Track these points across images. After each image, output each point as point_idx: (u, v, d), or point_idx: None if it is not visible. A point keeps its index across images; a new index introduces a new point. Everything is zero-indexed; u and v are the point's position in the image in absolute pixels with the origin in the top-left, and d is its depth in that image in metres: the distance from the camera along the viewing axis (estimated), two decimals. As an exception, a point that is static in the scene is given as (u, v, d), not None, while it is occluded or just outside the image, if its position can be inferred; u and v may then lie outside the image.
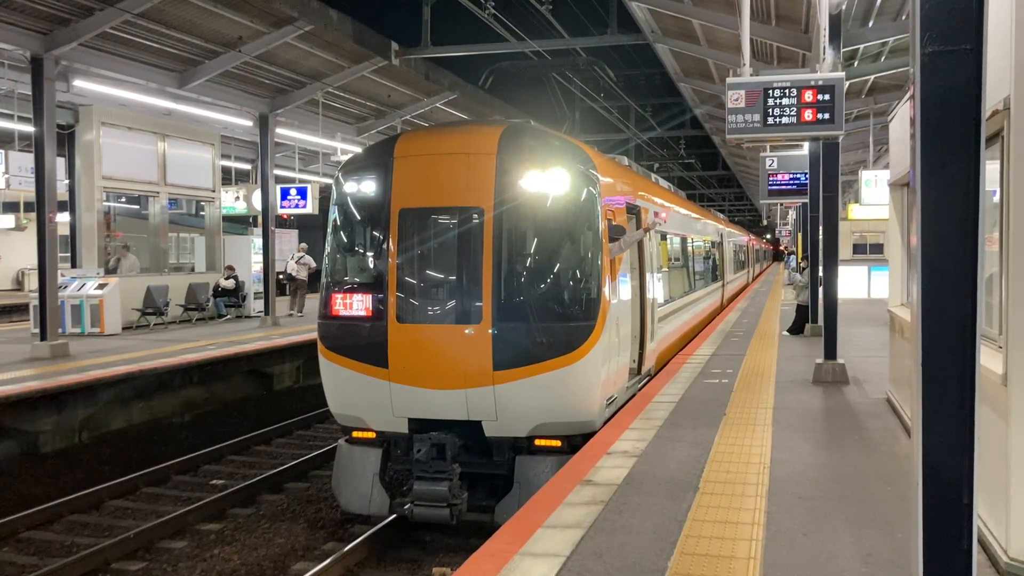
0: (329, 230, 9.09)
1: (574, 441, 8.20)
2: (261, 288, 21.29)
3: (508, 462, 8.33)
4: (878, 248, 26.69)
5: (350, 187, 8.91)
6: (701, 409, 9.25)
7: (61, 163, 17.64)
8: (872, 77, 17.91)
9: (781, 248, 67.84)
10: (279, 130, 20.68)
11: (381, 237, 8.61)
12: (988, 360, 4.64)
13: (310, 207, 22.01)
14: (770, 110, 7.87)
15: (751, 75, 8.22)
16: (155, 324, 19.19)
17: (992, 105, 4.50)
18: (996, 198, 4.80)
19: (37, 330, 14.59)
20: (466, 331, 8.13)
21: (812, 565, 4.83)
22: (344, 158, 18.68)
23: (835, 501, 6.01)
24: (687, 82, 21.65)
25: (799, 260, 24.44)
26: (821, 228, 12.14)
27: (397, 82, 20.74)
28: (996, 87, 4.37)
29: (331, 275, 8.91)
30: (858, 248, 28.42)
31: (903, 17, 13.97)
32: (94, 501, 10.10)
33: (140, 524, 9.23)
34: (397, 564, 8.25)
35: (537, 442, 8.29)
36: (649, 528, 5.45)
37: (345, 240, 9.22)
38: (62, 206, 16.74)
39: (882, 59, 16.89)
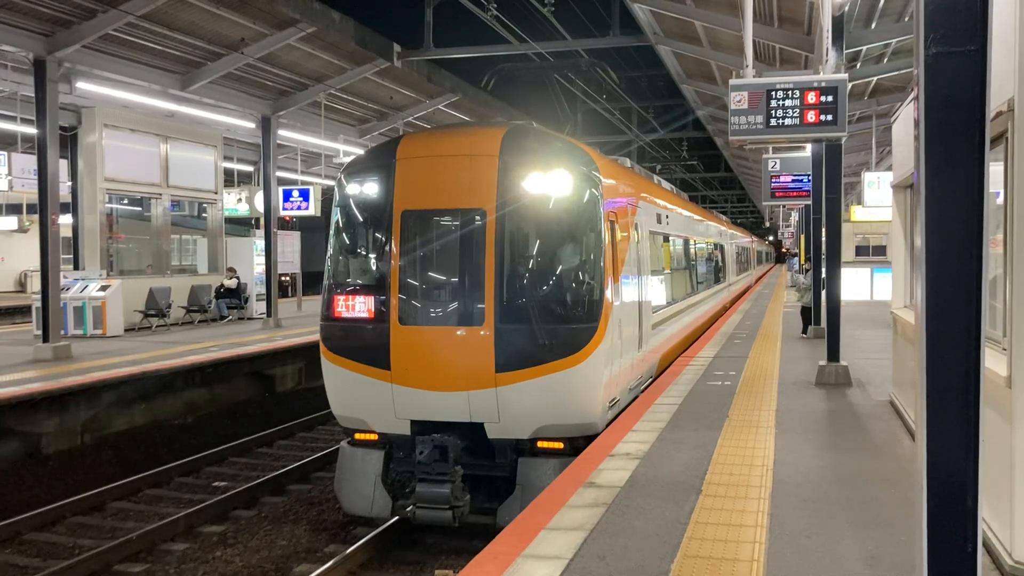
0: (331, 232, 9.09)
1: (576, 443, 8.19)
2: (263, 290, 21.30)
3: (510, 464, 8.32)
4: (881, 250, 26.67)
5: (352, 189, 8.91)
6: (704, 411, 9.23)
7: (64, 165, 17.65)
8: (875, 79, 17.89)
9: (784, 250, 67.80)
10: (281, 132, 20.70)
11: (383, 239, 8.60)
12: (992, 362, 4.62)
13: (312, 209, 22.01)
14: (773, 112, 7.87)
15: (754, 77, 8.23)
16: (157, 326, 19.21)
17: (996, 106, 4.48)
18: (1000, 200, 4.78)
19: (39, 332, 14.61)
20: (468, 333, 8.13)
21: (815, 568, 4.81)
22: (346, 160, 18.71)
23: (838, 503, 5.99)
24: (689, 84, 21.65)
25: (802, 262, 24.39)
26: (824, 230, 12.12)
27: (399, 84, 20.76)
28: (1000, 89, 4.35)
29: (333, 277, 8.91)
30: (861, 250, 28.41)
31: (906, 18, 13.96)
32: (96, 503, 10.09)
33: (142, 526, 9.22)
34: (399, 566, 8.24)
35: (539, 444, 8.28)
36: (652, 530, 5.44)
37: (347, 242, 9.22)
38: (65, 208, 16.78)
39: (885, 60, 16.88)
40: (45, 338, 14.26)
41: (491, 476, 8.49)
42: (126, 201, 20.96)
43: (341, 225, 9.07)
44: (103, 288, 17.68)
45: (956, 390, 2.85)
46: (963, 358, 2.84)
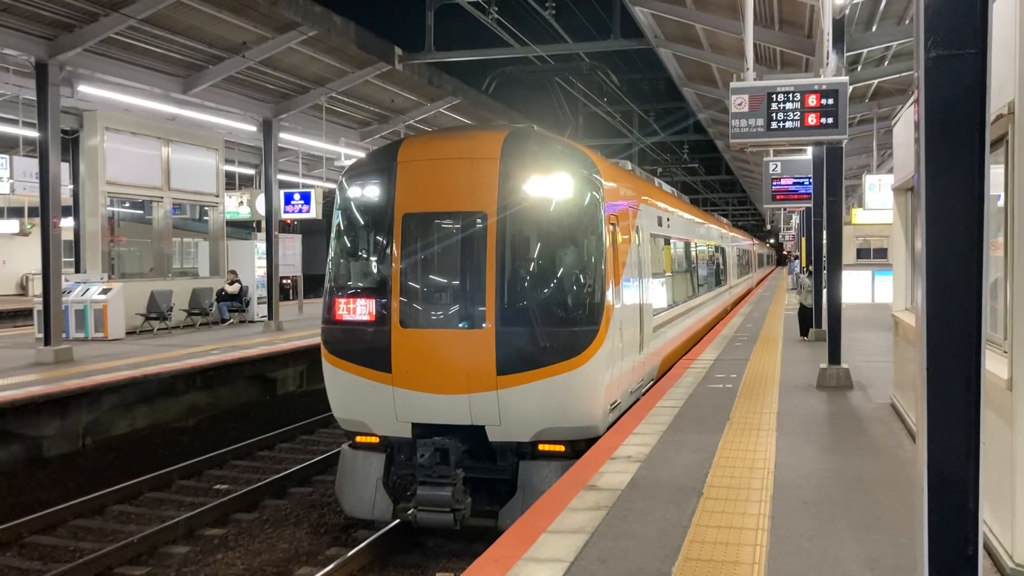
0: (333, 235, 9.09)
1: (578, 446, 8.19)
2: (264, 293, 21.31)
3: (512, 467, 8.32)
4: (882, 252, 26.61)
5: (354, 192, 8.91)
6: (705, 414, 9.23)
7: (65, 168, 17.71)
8: (876, 81, 17.91)
9: (785, 253, 67.81)
10: (283, 135, 20.72)
11: (385, 242, 8.61)
12: (993, 365, 4.62)
13: (314, 212, 22.04)
14: (774, 114, 7.87)
15: (754, 79, 8.23)
16: (159, 329, 19.22)
17: (996, 109, 4.49)
18: (1000, 203, 4.79)
19: (41, 335, 14.62)
20: (469, 336, 8.13)
21: (816, 570, 4.81)
22: (348, 163, 18.74)
23: (839, 506, 5.99)
24: (690, 86, 21.67)
25: (804, 264, 24.36)
26: (825, 233, 12.12)
27: (400, 87, 20.78)
28: (1000, 91, 4.36)
29: (335, 280, 8.92)
30: (862, 252, 28.37)
31: (907, 21, 13.97)
32: (98, 506, 10.09)
33: (143, 529, 9.22)
34: (400, 569, 8.24)
35: (541, 447, 8.28)
36: (653, 533, 5.44)
37: (349, 245, 9.23)
38: (66, 211, 16.76)
39: (886, 63, 16.89)
40: (47, 341, 14.27)
41: (492, 479, 8.49)
42: (127, 204, 20.99)
43: (342, 228, 9.08)
44: (104, 291, 17.69)
45: (957, 392, 2.85)
46: (964, 360, 2.84)
